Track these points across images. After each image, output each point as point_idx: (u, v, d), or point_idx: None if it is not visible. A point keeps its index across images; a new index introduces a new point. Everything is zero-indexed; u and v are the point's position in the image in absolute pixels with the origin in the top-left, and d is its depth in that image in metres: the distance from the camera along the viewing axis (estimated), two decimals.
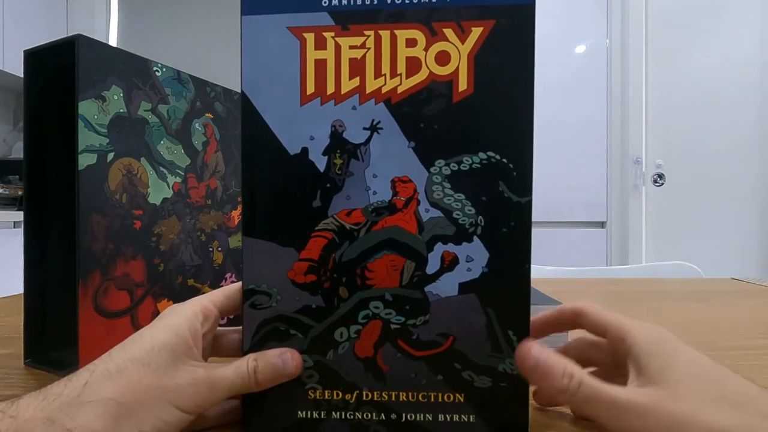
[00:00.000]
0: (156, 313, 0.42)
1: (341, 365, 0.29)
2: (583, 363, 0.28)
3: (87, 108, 0.37)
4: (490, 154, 0.27)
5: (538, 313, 0.39)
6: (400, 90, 0.28)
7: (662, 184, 2.30)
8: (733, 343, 0.51)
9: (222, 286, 0.49)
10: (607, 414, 0.24)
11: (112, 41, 2.69)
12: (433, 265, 0.28)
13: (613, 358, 0.29)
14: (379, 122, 0.28)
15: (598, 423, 0.24)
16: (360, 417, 0.29)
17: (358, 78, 0.28)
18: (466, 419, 0.28)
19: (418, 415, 0.28)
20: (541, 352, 0.26)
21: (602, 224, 2.35)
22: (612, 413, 0.23)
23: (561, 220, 2.32)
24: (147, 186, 0.42)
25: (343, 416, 0.29)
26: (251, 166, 0.29)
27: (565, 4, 2.32)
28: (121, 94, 0.40)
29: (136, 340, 0.27)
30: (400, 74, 0.28)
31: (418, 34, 0.27)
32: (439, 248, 0.28)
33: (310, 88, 0.28)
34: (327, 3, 0.28)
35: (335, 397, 0.29)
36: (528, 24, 0.27)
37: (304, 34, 0.28)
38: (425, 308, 0.28)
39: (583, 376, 0.25)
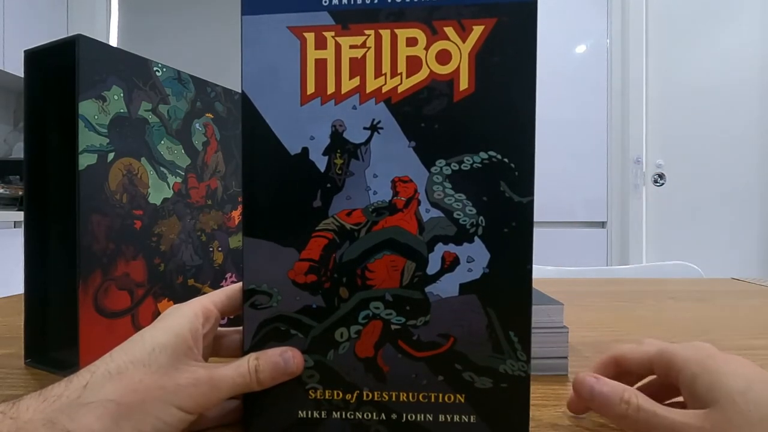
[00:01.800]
0: (156, 313, 0.42)
1: (342, 365, 0.29)
2: (632, 377, 0.30)
3: (87, 108, 0.37)
4: (492, 153, 0.27)
5: (539, 314, 0.39)
6: (400, 89, 0.28)
7: (662, 184, 2.30)
8: (733, 343, 0.51)
9: (222, 286, 0.49)
10: None
11: (112, 41, 2.69)
12: (433, 266, 0.28)
13: (664, 384, 0.30)
14: (379, 122, 0.28)
15: None
16: (360, 417, 0.28)
17: (358, 77, 0.28)
18: (466, 420, 0.28)
19: (418, 415, 0.28)
20: (595, 382, 0.27)
21: (602, 224, 2.35)
22: None
23: (561, 220, 2.32)
24: (147, 186, 0.42)
25: (343, 416, 0.29)
26: (252, 166, 0.29)
27: (565, 4, 2.32)
28: (122, 94, 0.40)
29: (137, 341, 0.27)
30: (401, 73, 0.27)
31: (418, 33, 0.27)
32: (440, 248, 0.28)
33: (311, 88, 0.28)
34: (327, 2, 0.28)
35: (336, 397, 0.29)
36: (529, 22, 0.27)
37: (305, 34, 0.28)
38: (426, 309, 0.28)
39: (640, 400, 0.26)
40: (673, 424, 0.24)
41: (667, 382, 0.28)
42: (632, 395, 0.26)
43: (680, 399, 0.27)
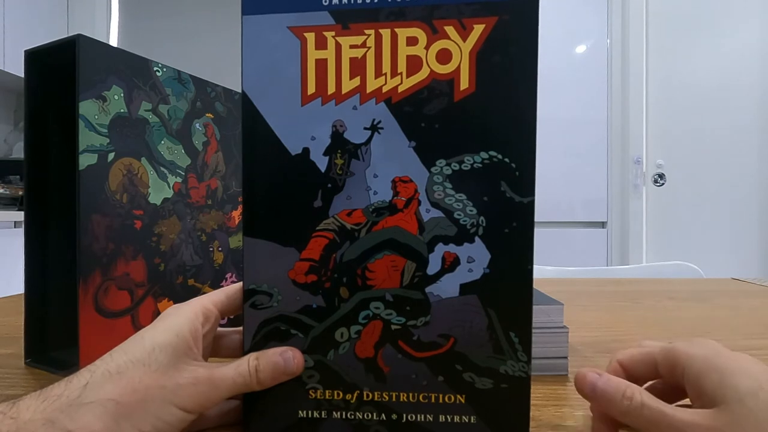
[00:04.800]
0: (156, 313, 0.42)
1: (342, 365, 0.28)
2: (638, 380, 0.29)
3: (87, 108, 0.37)
4: (492, 153, 0.27)
5: (539, 314, 0.39)
6: (400, 89, 0.27)
7: (662, 184, 2.30)
8: (733, 343, 0.51)
9: (222, 286, 0.49)
10: None
11: (112, 41, 2.69)
12: (434, 266, 0.28)
13: (669, 385, 0.29)
14: (379, 122, 0.28)
15: None
16: (361, 417, 0.28)
17: (358, 77, 0.28)
18: (466, 420, 0.28)
19: (418, 415, 0.28)
20: (597, 378, 0.26)
21: (602, 224, 2.35)
22: None
23: (561, 220, 2.32)
24: (147, 186, 0.42)
25: (343, 416, 0.29)
26: (252, 166, 0.29)
27: (565, 4, 2.32)
28: (122, 94, 0.40)
29: (137, 341, 0.27)
30: (401, 73, 0.27)
31: (419, 32, 0.27)
32: (440, 249, 0.28)
33: (311, 88, 0.28)
34: (327, 2, 0.28)
35: (336, 397, 0.29)
36: (531, 20, 0.27)
37: (305, 34, 0.28)
38: (426, 309, 0.28)
39: (644, 397, 0.25)
40: (682, 423, 0.24)
41: (672, 382, 0.28)
42: (635, 392, 0.25)
43: (687, 401, 0.27)
